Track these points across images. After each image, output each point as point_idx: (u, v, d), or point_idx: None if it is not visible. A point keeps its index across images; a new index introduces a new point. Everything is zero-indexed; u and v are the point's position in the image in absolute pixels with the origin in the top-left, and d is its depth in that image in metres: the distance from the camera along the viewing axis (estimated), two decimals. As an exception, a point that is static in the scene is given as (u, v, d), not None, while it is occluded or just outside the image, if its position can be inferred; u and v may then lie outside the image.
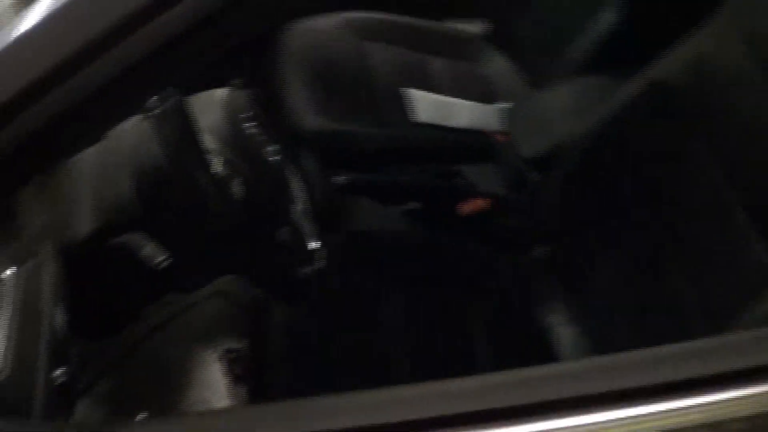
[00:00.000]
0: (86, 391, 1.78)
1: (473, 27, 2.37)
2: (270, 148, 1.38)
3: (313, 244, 1.45)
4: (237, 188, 1.27)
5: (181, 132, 1.15)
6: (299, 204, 1.46)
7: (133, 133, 1.34)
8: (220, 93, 1.37)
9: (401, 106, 2.12)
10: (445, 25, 2.37)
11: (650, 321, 1.50)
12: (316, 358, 1.65)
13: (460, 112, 2.13)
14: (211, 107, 1.34)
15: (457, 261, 1.82)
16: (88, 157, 1.40)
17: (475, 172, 2.05)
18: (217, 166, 1.25)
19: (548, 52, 2.08)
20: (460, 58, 2.30)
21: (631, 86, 1.60)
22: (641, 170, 1.56)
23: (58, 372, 1.18)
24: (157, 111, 1.14)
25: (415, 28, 2.32)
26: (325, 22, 2.26)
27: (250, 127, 1.35)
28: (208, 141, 1.29)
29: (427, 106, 2.13)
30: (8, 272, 1.20)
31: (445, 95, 2.18)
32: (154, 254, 1.28)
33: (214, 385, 1.81)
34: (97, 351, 1.81)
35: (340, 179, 1.94)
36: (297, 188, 1.52)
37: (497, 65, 2.28)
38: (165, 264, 1.28)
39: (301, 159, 1.89)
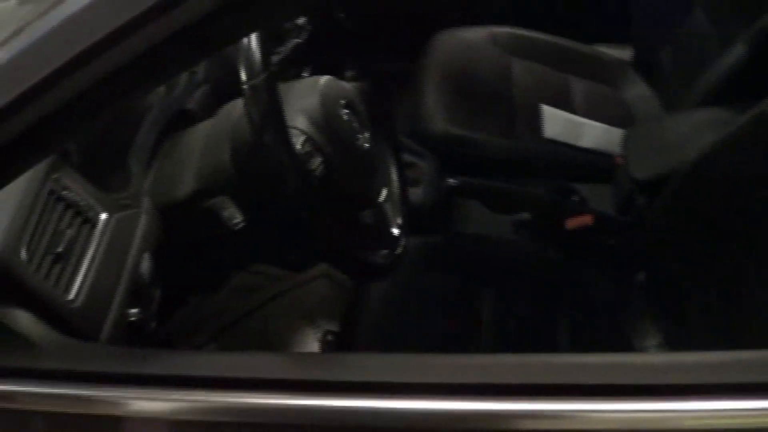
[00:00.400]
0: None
1: (621, 53, 2.39)
2: (362, 136, 1.46)
3: (396, 231, 1.52)
4: (316, 166, 1.36)
5: (266, 107, 1.24)
6: (387, 191, 1.53)
7: (239, 107, 1.46)
8: (323, 80, 1.46)
9: (534, 121, 2.17)
10: (593, 48, 2.40)
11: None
12: (403, 346, 1.72)
13: (590, 134, 2.16)
14: (311, 91, 1.43)
15: (556, 272, 1.85)
16: (201, 129, 1.53)
17: (588, 189, 2.07)
18: (298, 143, 1.34)
19: (686, 82, 2.08)
20: (603, 82, 2.32)
21: (743, 117, 1.60)
22: (740, 199, 1.55)
23: (132, 311, 1.30)
24: (246, 86, 1.23)
25: (563, 49, 2.36)
26: (475, 35, 2.35)
27: (344, 114, 1.43)
28: (299, 121, 1.38)
29: (559, 123, 2.17)
30: (102, 217, 1.33)
31: (581, 116, 2.21)
32: (233, 216, 1.39)
33: (310, 362, 1.90)
34: (209, 315, 1.95)
35: (455, 181, 2.01)
36: (389, 177, 1.60)
37: (638, 92, 2.29)
38: (240, 225, 1.38)
39: (411, 155, 1.98)
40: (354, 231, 1.41)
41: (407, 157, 1.99)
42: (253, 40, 1.24)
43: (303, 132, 1.36)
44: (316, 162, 1.35)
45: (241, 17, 0.91)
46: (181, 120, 1.61)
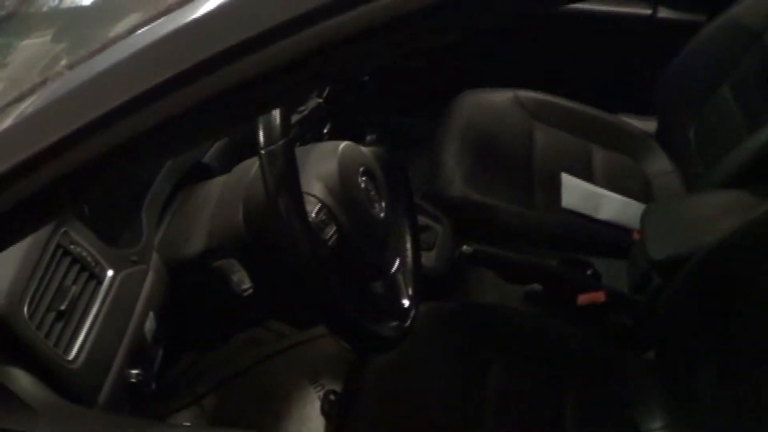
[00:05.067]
0: (193, 402, 1.90)
1: (645, 125, 2.37)
2: (378, 205, 1.44)
3: (406, 302, 1.49)
4: (330, 236, 1.34)
5: (282, 174, 1.22)
6: (400, 261, 1.51)
7: (255, 166, 1.45)
8: (342, 145, 1.44)
9: (552, 190, 2.15)
10: (617, 118, 2.38)
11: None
12: (405, 413, 1.69)
13: (608, 206, 2.14)
14: (329, 157, 1.41)
15: (564, 346, 1.82)
16: (216, 184, 1.51)
17: (603, 264, 2.05)
18: (313, 211, 1.32)
19: (709, 160, 2.06)
20: (625, 153, 2.30)
21: (766, 205, 1.58)
22: (757, 287, 1.53)
23: (133, 371, 1.28)
24: (263, 151, 1.22)
25: (587, 117, 2.34)
26: (499, 97, 2.33)
27: (362, 182, 1.42)
28: (316, 188, 1.37)
29: (578, 194, 2.14)
30: (109, 274, 1.31)
31: (600, 186, 2.19)
32: (242, 281, 1.37)
33: (309, 422, 1.89)
34: (210, 367, 1.93)
35: (469, 248, 1.98)
36: (402, 246, 1.58)
37: (660, 165, 2.27)
38: (248, 293, 1.36)
39: (427, 218, 1.96)
40: (363, 302, 1.39)
41: (422, 220, 1.97)
42: None
43: (318, 200, 1.34)
44: (330, 231, 1.34)
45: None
46: (197, 173, 1.60)
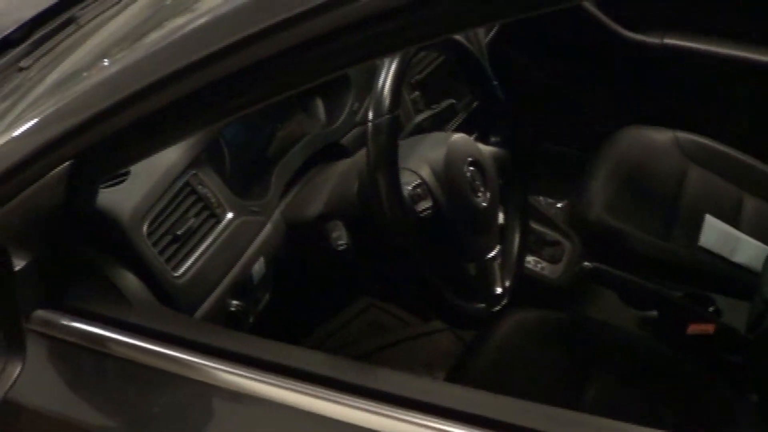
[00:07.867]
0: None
1: (804, 180, 2.36)
2: (481, 194, 1.55)
3: (498, 290, 1.60)
4: (424, 209, 1.47)
5: (383, 145, 1.37)
6: (500, 251, 1.61)
7: None
8: (455, 135, 1.57)
9: (693, 228, 2.17)
10: (777, 171, 2.38)
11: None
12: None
13: (746, 250, 2.14)
14: (440, 144, 1.55)
15: (670, 374, 1.85)
16: (343, 163, 1.68)
17: (728, 304, 2.06)
18: (410, 185, 1.46)
19: None
20: (779, 205, 2.30)
21: None
22: None
23: (234, 302, 1.45)
24: (369, 124, 1.37)
25: (744, 165, 2.34)
26: (660, 136, 2.38)
27: (468, 171, 1.54)
28: (421, 168, 1.50)
29: (718, 235, 2.16)
30: (228, 216, 1.49)
31: (746, 234, 2.20)
32: (340, 237, 1.52)
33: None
34: (341, 345, 2.08)
35: (590, 265, 2.05)
36: (509, 240, 1.68)
37: (814, 222, 2.25)
38: (342, 247, 1.51)
39: (558, 234, 2.03)
40: (452, 277, 1.50)
41: (552, 235, 2.06)
42: (387, 83, 1.38)
43: (419, 177, 1.47)
44: (424, 205, 1.46)
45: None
46: (333, 152, 1.76)
